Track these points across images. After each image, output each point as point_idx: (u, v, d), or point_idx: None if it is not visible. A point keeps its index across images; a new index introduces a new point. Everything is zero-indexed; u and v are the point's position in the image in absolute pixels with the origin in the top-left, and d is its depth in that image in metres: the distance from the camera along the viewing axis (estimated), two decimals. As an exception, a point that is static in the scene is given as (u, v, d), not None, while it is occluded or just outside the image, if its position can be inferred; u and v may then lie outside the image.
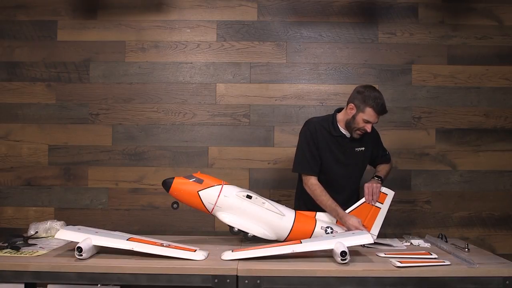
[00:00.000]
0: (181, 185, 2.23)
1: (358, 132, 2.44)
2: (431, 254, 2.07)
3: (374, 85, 2.50)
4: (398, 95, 3.20)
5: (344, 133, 2.50)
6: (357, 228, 2.23)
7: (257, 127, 3.21)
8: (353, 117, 2.41)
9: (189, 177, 2.26)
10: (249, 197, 2.26)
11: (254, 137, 3.20)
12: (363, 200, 2.40)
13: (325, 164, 2.50)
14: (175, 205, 2.26)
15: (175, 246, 2.03)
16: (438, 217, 3.20)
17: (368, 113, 2.37)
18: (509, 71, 3.21)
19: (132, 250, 1.97)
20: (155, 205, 3.19)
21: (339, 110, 2.56)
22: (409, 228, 3.16)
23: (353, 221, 2.27)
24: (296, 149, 2.56)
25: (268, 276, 1.87)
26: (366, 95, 2.37)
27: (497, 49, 3.20)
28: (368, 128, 2.40)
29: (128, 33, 3.21)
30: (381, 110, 2.37)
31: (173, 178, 2.24)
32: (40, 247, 2.14)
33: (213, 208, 2.23)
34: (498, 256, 2.16)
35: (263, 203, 2.27)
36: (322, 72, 3.22)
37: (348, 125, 2.45)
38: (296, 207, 2.55)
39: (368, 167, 2.65)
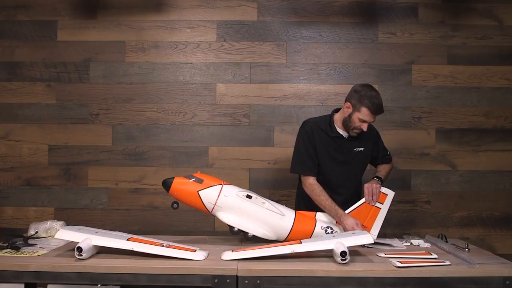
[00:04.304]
0: (181, 185, 2.22)
1: (355, 130, 2.43)
2: (431, 254, 2.07)
3: (374, 85, 2.50)
4: (398, 95, 3.20)
5: (341, 133, 2.50)
6: (354, 229, 2.23)
7: (257, 127, 3.21)
8: (349, 115, 2.41)
9: (189, 177, 2.26)
10: (249, 197, 2.25)
11: (254, 137, 3.20)
12: (363, 200, 2.39)
13: (322, 165, 2.50)
14: (175, 205, 2.26)
15: (175, 246, 2.03)
16: (438, 217, 3.20)
17: (364, 113, 2.36)
18: (509, 71, 3.21)
19: (132, 250, 1.97)
20: (155, 205, 3.19)
21: (337, 110, 2.56)
22: (409, 228, 3.16)
23: (350, 221, 2.27)
24: (294, 150, 2.56)
25: (268, 276, 1.87)
26: (362, 95, 2.36)
27: (497, 49, 3.20)
28: (364, 127, 2.39)
29: (128, 33, 3.21)
30: (376, 110, 2.36)
31: (173, 178, 2.24)
32: (40, 247, 2.14)
33: (213, 208, 2.23)
34: (498, 256, 2.16)
35: (263, 203, 2.27)
36: (322, 72, 3.22)
37: (345, 124, 2.45)
38: (296, 207, 2.55)
39: (369, 167, 2.65)
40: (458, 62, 3.21)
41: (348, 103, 2.41)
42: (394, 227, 3.10)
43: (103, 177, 3.20)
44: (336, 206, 2.34)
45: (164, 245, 2.02)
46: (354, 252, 2.11)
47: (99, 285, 2.10)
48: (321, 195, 2.40)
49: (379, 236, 2.36)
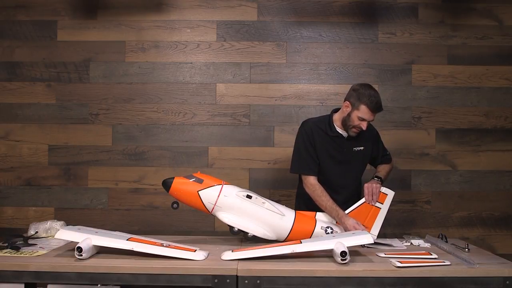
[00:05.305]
0: (181, 185, 2.22)
1: (354, 130, 2.43)
2: (431, 254, 2.07)
3: (374, 85, 2.50)
4: (398, 95, 3.20)
5: (341, 132, 2.50)
6: (355, 229, 2.23)
7: (257, 127, 3.21)
8: (348, 114, 2.41)
9: (189, 177, 2.26)
10: (249, 197, 2.25)
11: (254, 137, 3.20)
12: (363, 200, 2.39)
13: (322, 165, 2.50)
14: (175, 205, 2.26)
15: (175, 246, 2.03)
16: (438, 217, 3.20)
17: (363, 111, 2.37)
18: (509, 71, 3.21)
19: (132, 250, 1.97)
20: (155, 205, 3.19)
21: (336, 110, 2.56)
22: (409, 228, 3.16)
23: (351, 222, 2.27)
24: (293, 150, 2.56)
25: (268, 276, 1.87)
26: (360, 93, 2.38)
27: (497, 49, 3.20)
28: (363, 125, 2.40)
29: (128, 33, 3.21)
30: (375, 108, 2.37)
31: (173, 178, 2.24)
32: (40, 247, 2.14)
33: (213, 208, 2.23)
34: (498, 256, 2.16)
35: (263, 203, 2.27)
36: (322, 72, 3.22)
37: (344, 123, 2.45)
38: (296, 207, 2.55)
39: (369, 167, 2.65)
40: (458, 62, 3.21)
41: (347, 102, 2.42)
42: (394, 227, 3.10)
43: (103, 177, 3.20)
44: (337, 207, 2.34)
45: (164, 245, 2.02)
46: (354, 252, 2.11)
47: (99, 285, 2.11)
48: (322, 195, 2.40)
49: (379, 236, 2.36)
